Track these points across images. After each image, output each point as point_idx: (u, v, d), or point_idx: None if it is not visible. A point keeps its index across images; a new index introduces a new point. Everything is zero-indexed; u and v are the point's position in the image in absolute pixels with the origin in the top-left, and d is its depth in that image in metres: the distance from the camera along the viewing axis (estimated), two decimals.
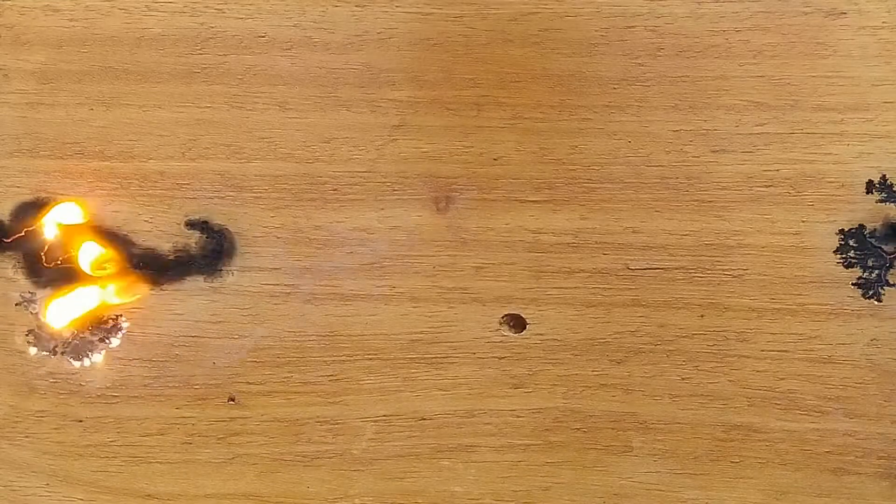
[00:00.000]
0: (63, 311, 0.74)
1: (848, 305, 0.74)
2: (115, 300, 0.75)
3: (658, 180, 0.74)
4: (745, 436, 0.75)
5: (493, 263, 0.76)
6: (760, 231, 0.74)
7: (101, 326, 0.75)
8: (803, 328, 0.74)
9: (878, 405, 0.75)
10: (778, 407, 0.75)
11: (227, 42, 0.75)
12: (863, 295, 0.73)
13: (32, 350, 0.75)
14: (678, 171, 0.74)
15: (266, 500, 0.78)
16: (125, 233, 0.76)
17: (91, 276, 0.74)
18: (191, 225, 0.76)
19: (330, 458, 0.77)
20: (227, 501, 0.78)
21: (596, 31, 0.74)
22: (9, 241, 0.76)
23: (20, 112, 0.76)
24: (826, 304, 0.74)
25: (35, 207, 0.76)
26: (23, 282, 0.76)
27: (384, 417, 0.77)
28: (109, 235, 0.76)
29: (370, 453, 0.77)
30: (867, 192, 0.72)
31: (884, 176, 0.72)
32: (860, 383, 0.74)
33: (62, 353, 0.75)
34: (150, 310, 0.76)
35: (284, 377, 0.77)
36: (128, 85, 0.75)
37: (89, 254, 0.74)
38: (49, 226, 0.75)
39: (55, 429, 0.77)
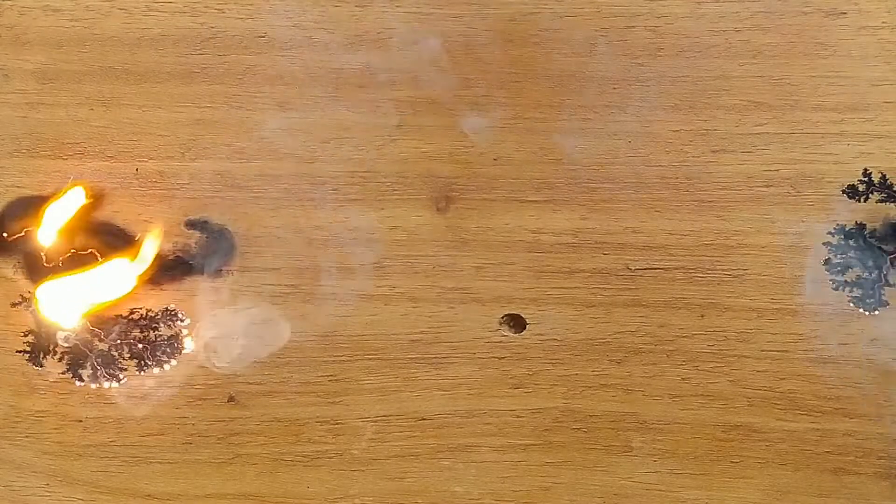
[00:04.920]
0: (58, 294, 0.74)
1: (848, 305, 0.74)
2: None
3: (658, 180, 0.74)
4: (745, 436, 0.75)
5: (493, 263, 0.76)
6: (760, 231, 0.74)
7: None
8: (803, 328, 0.74)
9: (878, 405, 0.75)
10: (778, 407, 0.75)
11: (227, 42, 0.75)
12: (855, 303, 0.73)
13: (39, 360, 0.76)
14: (678, 171, 0.74)
15: (266, 500, 0.78)
16: (124, 232, 0.76)
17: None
18: (191, 225, 0.76)
19: (330, 458, 0.77)
20: (227, 501, 0.78)
21: (596, 31, 0.74)
22: (9, 240, 0.76)
23: (20, 112, 0.76)
24: (826, 304, 0.74)
25: (35, 207, 0.76)
26: (23, 282, 0.76)
27: (384, 417, 0.77)
28: (108, 233, 0.76)
29: (370, 453, 0.77)
30: (852, 197, 0.72)
31: (884, 175, 0.72)
32: (860, 383, 0.74)
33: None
34: (150, 310, 0.76)
35: (284, 377, 0.77)
36: (128, 85, 0.75)
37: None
38: (49, 223, 0.75)
39: (55, 429, 0.77)
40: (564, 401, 0.76)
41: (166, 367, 0.75)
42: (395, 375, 0.77)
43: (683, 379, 0.75)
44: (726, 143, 0.74)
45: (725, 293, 0.75)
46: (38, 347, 0.75)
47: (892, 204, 0.72)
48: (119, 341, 0.76)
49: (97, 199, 0.76)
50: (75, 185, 0.75)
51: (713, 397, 0.75)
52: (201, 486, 0.78)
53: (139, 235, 0.76)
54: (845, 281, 0.73)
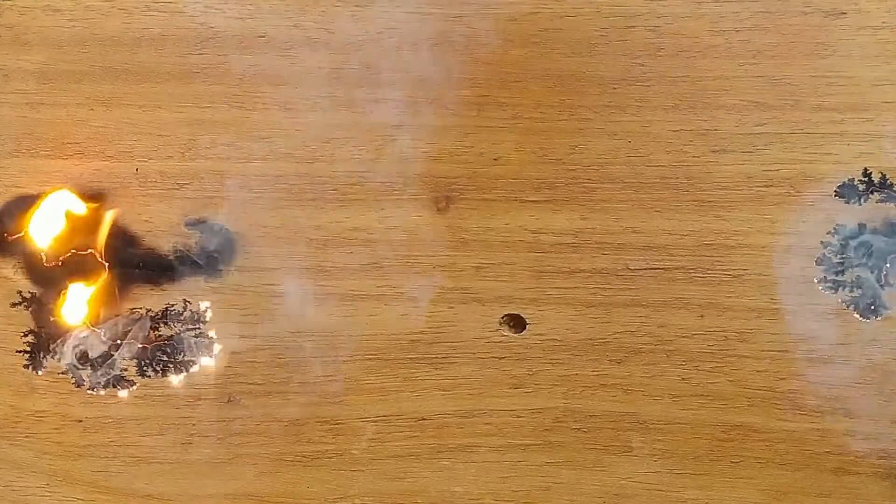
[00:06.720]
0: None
1: (848, 305, 0.74)
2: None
3: (658, 180, 0.74)
4: (745, 436, 0.75)
5: (493, 263, 0.76)
6: (760, 231, 0.74)
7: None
8: (803, 328, 0.74)
9: (878, 405, 0.75)
10: (778, 407, 0.75)
11: (227, 42, 0.75)
12: (855, 310, 0.73)
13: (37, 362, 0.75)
14: (678, 171, 0.74)
15: (266, 500, 0.78)
16: (125, 232, 0.76)
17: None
18: (191, 225, 0.76)
19: (330, 458, 0.77)
20: (227, 501, 0.78)
21: (596, 31, 0.74)
22: (9, 240, 0.76)
23: (20, 112, 0.76)
24: (826, 304, 0.74)
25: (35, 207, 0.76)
26: (23, 282, 0.76)
27: (384, 417, 0.77)
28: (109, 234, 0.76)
29: (370, 453, 0.77)
30: (848, 199, 0.72)
31: (884, 175, 0.72)
32: (860, 383, 0.74)
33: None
34: (150, 309, 0.77)
35: (284, 377, 0.77)
36: (128, 85, 0.75)
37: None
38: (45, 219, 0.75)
39: (55, 429, 0.77)
40: (564, 401, 0.76)
41: (167, 367, 0.75)
42: (395, 375, 0.77)
43: (683, 379, 0.75)
44: (726, 143, 0.74)
45: (725, 293, 0.75)
46: (38, 347, 0.75)
47: (892, 204, 0.72)
48: (119, 342, 0.76)
49: (94, 201, 0.76)
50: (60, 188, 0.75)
51: (713, 397, 0.75)
52: (201, 486, 0.78)
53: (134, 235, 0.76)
54: (845, 281, 0.73)
